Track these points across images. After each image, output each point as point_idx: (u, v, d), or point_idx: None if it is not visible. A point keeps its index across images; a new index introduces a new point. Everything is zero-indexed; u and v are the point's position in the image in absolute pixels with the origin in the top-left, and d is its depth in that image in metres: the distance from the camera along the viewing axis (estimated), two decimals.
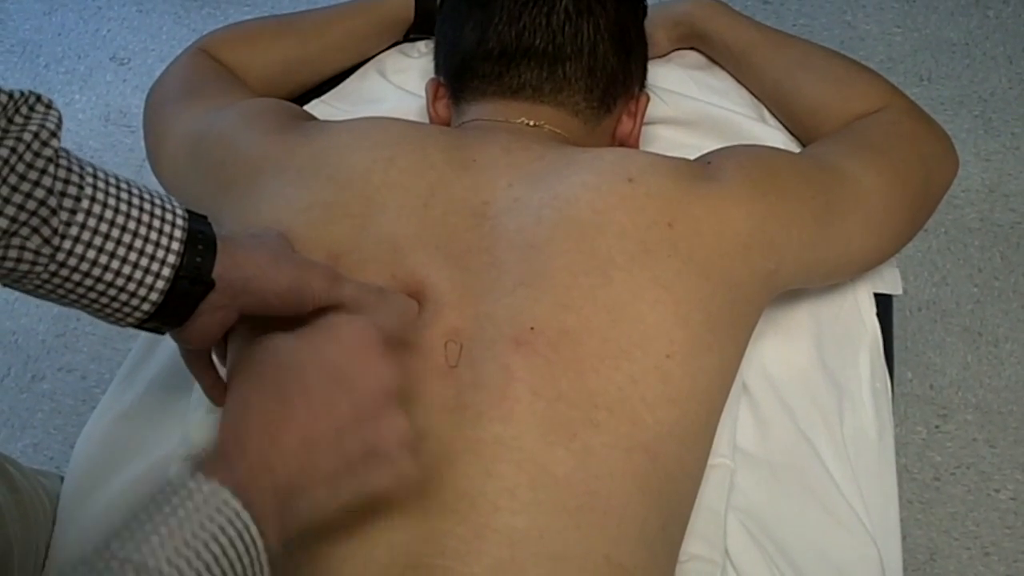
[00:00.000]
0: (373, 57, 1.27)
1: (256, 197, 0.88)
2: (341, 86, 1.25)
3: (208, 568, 0.57)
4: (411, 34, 1.26)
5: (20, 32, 2.18)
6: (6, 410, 1.74)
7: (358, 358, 0.70)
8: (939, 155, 1.05)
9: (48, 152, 0.67)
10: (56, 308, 1.75)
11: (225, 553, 0.58)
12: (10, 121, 0.66)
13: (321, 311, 0.75)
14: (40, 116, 0.67)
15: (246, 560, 0.60)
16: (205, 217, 0.76)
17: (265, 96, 1.10)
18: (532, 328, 0.78)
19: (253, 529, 0.60)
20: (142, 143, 1.10)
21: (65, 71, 2.10)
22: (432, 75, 1.11)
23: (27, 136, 0.65)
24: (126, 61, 2.11)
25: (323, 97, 1.23)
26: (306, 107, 1.13)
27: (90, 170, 0.70)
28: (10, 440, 1.69)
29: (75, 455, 1.04)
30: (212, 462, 0.63)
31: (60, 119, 0.68)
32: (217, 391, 0.88)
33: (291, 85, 1.20)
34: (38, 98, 0.68)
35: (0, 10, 2.21)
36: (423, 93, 1.11)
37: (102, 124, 2.01)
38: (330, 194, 0.85)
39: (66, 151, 0.69)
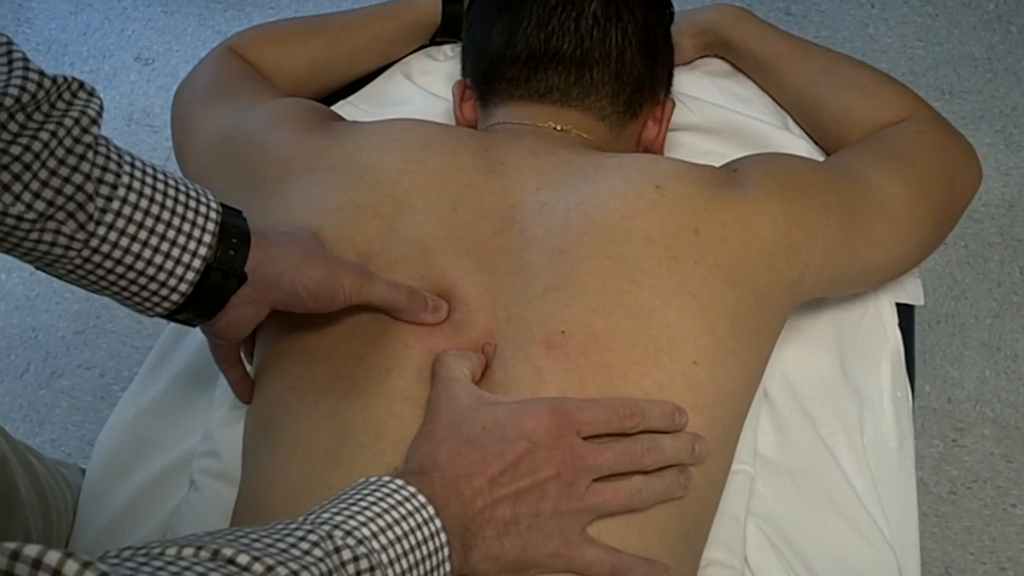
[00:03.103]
0: (399, 60, 1.28)
1: (286, 197, 0.89)
2: (367, 88, 1.25)
3: (404, 556, 0.61)
4: (437, 37, 1.27)
5: (45, 31, 2.19)
6: (25, 405, 1.74)
7: (552, 437, 0.71)
8: (963, 165, 1.05)
9: (87, 139, 0.68)
10: (76, 305, 1.79)
11: (418, 547, 0.62)
12: (52, 106, 0.67)
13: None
14: (82, 103, 0.68)
15: (432, 561, 0.63)
16: (240, 212, 0.76)
17: (292, 97, 1.10)
18: (563, 332, 0.78)
19: (443, 536, 0.64)
20: (165, 143, 1.11)
21: (90, 70, 2.11)
22: (458, 78, 1.12)
23: (68, 122, 0.66)
24: (150, 61, 2.12)
25: (349, 98, 1.24)
26: (332, 108, 1.14)
27: (128, 159, 0.71)
28: (29, 435, 1.70)
29: (97, 449, 1.05)
30: (409, 475, 0.66)
31: (101, 107, 0.70)
32: (244, 387, 0.89)
33: (318, 86, 1.21)
34: (81, 85, 0.69)
35: (26, 9, 2.22)
36: (449, 96, 1.12)
37: (125, 124, 2.02)
38: (360, 195, 0.86)
39: (105, 139, 0.70)
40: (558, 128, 0.97)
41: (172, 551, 0.52)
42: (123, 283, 0.71)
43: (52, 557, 0.44)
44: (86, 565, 0.44)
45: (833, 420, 1.00)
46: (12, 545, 0.43)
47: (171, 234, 0.71)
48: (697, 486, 0.79)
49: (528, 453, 0.70)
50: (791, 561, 0.92)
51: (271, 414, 0.83)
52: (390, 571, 0.59)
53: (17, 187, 0.65)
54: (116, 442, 1.04)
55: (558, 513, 0.71)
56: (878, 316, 1.05)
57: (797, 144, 1.14)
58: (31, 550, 0.43)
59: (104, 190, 0.68)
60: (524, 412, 0.72)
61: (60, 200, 0.66)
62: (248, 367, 0.90)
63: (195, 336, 1.06)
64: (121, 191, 0.69)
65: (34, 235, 0.66)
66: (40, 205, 0.66)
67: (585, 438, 0.74)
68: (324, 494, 0.66)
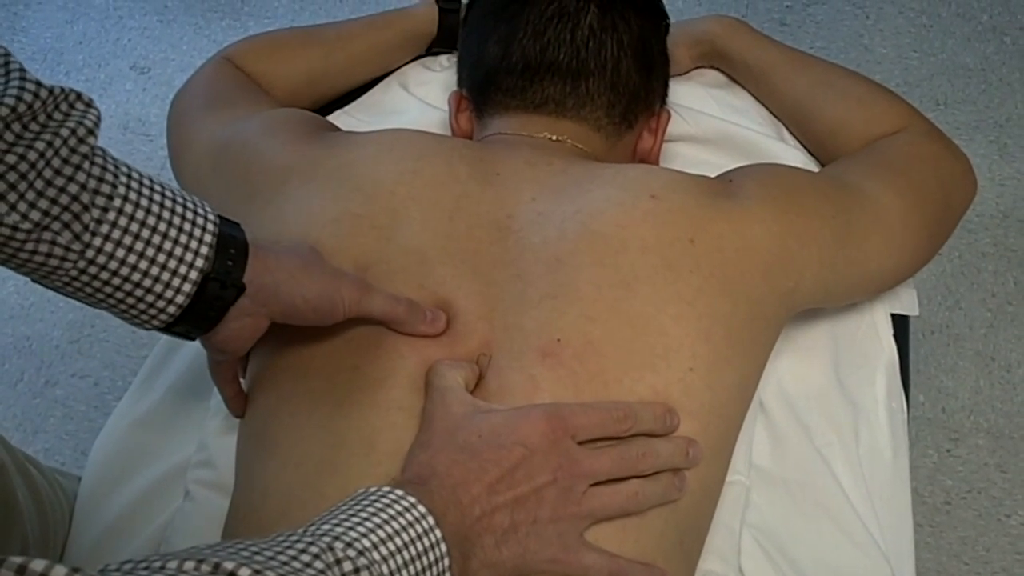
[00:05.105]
0: (396, 70, 1.28)
1: (281, 207, 0.89)
2: (364, 98, 1.26)
3: (406, 566, 0.61)
4: (433, 48, 1.27)
5: (41, 40, 2.19)
6: (19, 415, 1.74)
7: (548, 443, 0.71)
8: (958, 176, 1.05)
9: (84, 149, 0.67)
10: (71, 314, 1.78)
11: (419, 557, 0.62)
12: (49, 117, 0.67)
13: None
14: (79, 114, 0.68)
15: (434, 572, 0.63)
16: (238, 224, 0.76)
17: (288, 107, 1.11)
18: (559, 340, 0.79)
19: (443, 547, 0.64)
20: (160, 152, 1.11)
21: (85, 79, 2.11)
22: (454, 88, 1.12)
23: (64, 132, 0.66)
24: (146, 70, 2.12)
25: (346, 108, 1.24)
26: (328, 118, 1.14)
27: (124, 170, 0.71)
28: (22, 445, 1.68)
29: (91, 459, 1.04)
30: (407, 485, 0.66)
31: (99, 117, 0.69)
32: (238, 403, 0.89)
33: (314, 96, 1.21)
34: (78, 96, 0.69)
35: (22, 18, 2.23)
36: (445, 106, 1.12)
37: (121, 132, 2.02)
38: (357, 206, 0.86)
39: (102, 150, 0.70)
40: (554, 138, 0.98)
41: (173, 564, 0.52)
42: (120, 295, 0.70)
43: (59, 572, 0.44)
44: None
45: (828, 430, 1.00)
46: (18, 560, 0.43)
47: (167, 245, 0.70)
48: (692, 492, 0.79)
49: (524, 459, 0.70)
50: (786, 571, 0.92)
51: (264, 425, 0.83)
52: None
53: (12, 197, 0.65)
54: (110, 452, 1.04)
55: (556, 519, 0.71)
56: (873, 327, 1.05)
57: (792, 155, 1.14)
58: (38, 564, 0.43)
59: (100, 201, 0.68)
60: (519, 418, 0.72)
61: (55, 210, 0.66)
62: (242, 382, 0.90)
63: (189, 347, 1.06)
64: (117, 202, 0.69)
65: (29, 246, 0.66)
66: (35, 215, 0.66)
67: (580, 443, 0.74)
68: (318, 504, 0.66)
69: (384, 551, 0.60)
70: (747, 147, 1.15)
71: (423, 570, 0.62)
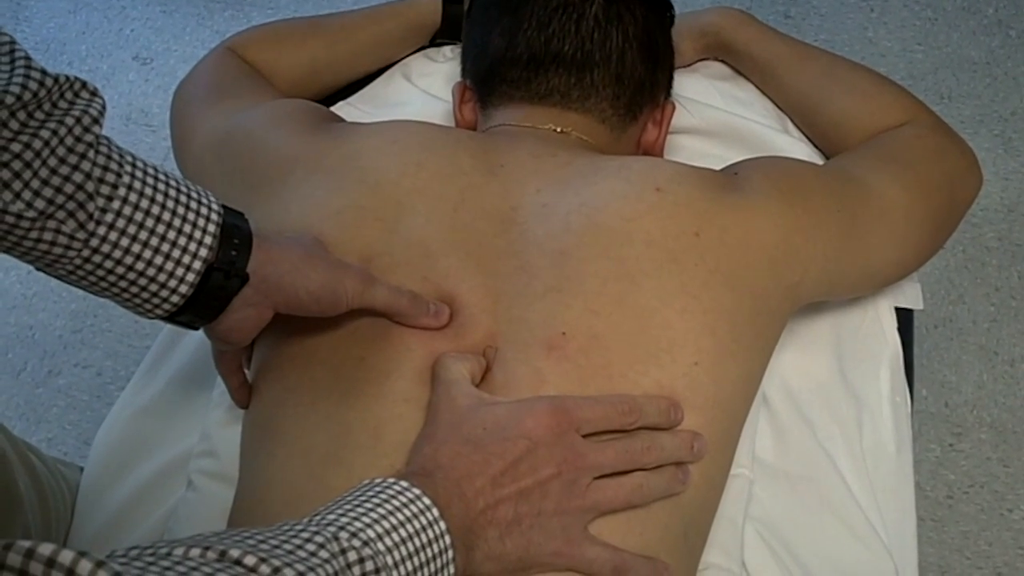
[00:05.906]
0: (399, 61, 1.27)
1: (286, 198, 0.89)
2: (367, 89, 1.25)
3: (410, 558, 0.61)
4: (437, 39, 1.27)
5: (44, 30, 2.19)
6: (22, 404, 1.74)
7: (552, 435, 0.71)
8: (963, 170, 1.05)
9: (89, 138, 0.68)
10: (74, 304, 1.79)
11: (423, 549, 0.62)
12: (54, 105, 0.67)
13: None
14: (84, 103, 0.68)
15: (438, 563, 0.63)
16: (242, 213, 0.76)
17: (292, 97, 1.10)
18: (564, 333, 0.78)
19: (447, 539, 0.64)
20: (163, 142, 1.11)
21: (88, 70, 2.11)
22: (458, 79, 1.12)
23: (69, 121, 0.67)
24: (149, 61, 2.12)
25: (349, 99, 1.24)
26: (331, 109, 1.14)
27: (129, 159, 0.71)
28: (25, 434, 1.69)
29: (94, 449, 1.04)
30: (412, 477, 0.66)
31: (104, 107, 0.70)
32: (242, 394, 0.89)
33: (317, 87, 1.20)
34: (83, 84, 0.69)
35: (25, 8, 2.22)
36: (448, 97, 1.12)
37: (123, 123, 2.02)
38: (361, 197, 0.86)
39: (107, 139, 0.70)
40: (558, 130, 0.97)
41: (179, 551, 0.53)
42: (123, 284, 0.70)
43: (66, 556, 0.44)
44: (99, 564, 0.45)
45: (831, 425, 0.99)
46: (27, 544, 0.44)
47: (171, 235, 0.70)
48: (696, 486, 0.79)
49: (529, 452, 0.70)
50: (789, 565, 0.92)
51: (270, 416, 0.83)
52: (395, 573, 0.59)
53: (17, 185, 0.65)
54: (113, 442, 1.04)
55: (560, 512, 0.71)
56: (877, 320, 1.05)
57: (797, 147, 1.14)
58: (45, 548, 0.44)
59: (104, 190, 0.68)
60: (524, 411, 0.72)
61: (60, 199, 0.66)
62: (246, 372, 0.90)
63: (193, 336, 1.06)
64: (122, 191, 0.69)
65: (34, 234, 0.66)
66: (40, 203, 0.66)
67: (584, 436, 0.74)
68: (323, 495, 0.66)
69: (388, 542, 0.60)
70: (752, 139, 1.15)
71: (427, 561, 0.62)
